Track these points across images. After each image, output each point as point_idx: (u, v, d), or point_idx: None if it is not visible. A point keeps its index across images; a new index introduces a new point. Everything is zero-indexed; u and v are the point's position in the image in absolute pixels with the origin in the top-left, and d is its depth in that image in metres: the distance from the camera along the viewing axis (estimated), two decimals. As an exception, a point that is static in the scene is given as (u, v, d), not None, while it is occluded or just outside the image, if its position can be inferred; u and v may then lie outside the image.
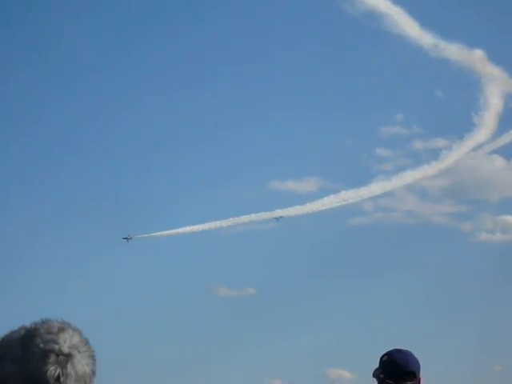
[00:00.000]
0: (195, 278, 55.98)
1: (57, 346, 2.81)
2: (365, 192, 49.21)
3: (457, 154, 49.37)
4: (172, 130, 61.51)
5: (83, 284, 58.27)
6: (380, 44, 59.60)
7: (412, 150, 59.27)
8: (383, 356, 5.98)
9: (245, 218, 49.07)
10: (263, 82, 63.51)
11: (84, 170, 62.58)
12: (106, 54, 58.86)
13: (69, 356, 2.82)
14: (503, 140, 50.90)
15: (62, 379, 2.78)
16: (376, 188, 49.26)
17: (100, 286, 59.13)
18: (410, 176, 49.92)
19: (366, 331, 51.53)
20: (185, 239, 52.59)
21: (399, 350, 5.99)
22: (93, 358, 2.91)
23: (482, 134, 48.92)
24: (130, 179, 62.85)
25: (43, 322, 2.91)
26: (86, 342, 2.93)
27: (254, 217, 48.83)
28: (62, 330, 2.88)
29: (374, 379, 6.05)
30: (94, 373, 2.91)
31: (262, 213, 48.87)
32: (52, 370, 2.77)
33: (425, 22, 46.17)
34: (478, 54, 48.93)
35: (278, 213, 48.66)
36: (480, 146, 50.15)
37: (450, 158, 49.39)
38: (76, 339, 2.88)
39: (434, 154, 50.81)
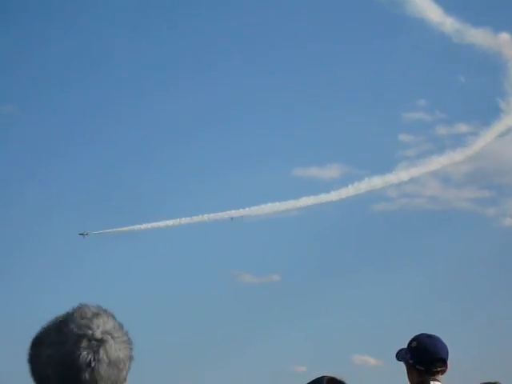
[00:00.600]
0: (219, 265, 56.09)
1: (90, 331, 2.83)
2: (388, 178, 49.06)
3: (482, 139, 49.06)
4: (195, 115, 61.27)
5: (106, 273, 58.58)
6: (402, 30, 59.13)
7: (435, 135, 58.72)
8: (412, 341, 5.93)
9: (269, 206, 49.15)
10: (287, 68, 63.33)
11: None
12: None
13: (101, 341, 2.84)
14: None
15: (93, 364, 2.80)
16: (399, 174, 49.11)
17: (123, 275, 59.31)
18: (433, 162, 49.68)
19: (391, 317, 51.50)
20: (210, 226, 52.60)
21: (429, 336, 5.94)
22: (127, 343, 2.92)
23: (506, 119, 48.53)
24: (151, 165, 62.80)
25: (79, 308, 2.93)
26: (121, 328, 2.94)
27: (278, 204, 48.88)
28: (96, 315, 2.90)
29: (402, 363, 6.02)
30: (129, 358, 2.91)
31: (287, 201, 48.93)
32: (84, 354, 2.79)
33: (448, 7, 45.84)
34: (505, 37, 48.49)
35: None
36: (505, 131, 49.78)
37: (474, 144, 49.13)
38: (110, 325, 2.89)
39: (458, 140, 50.52)
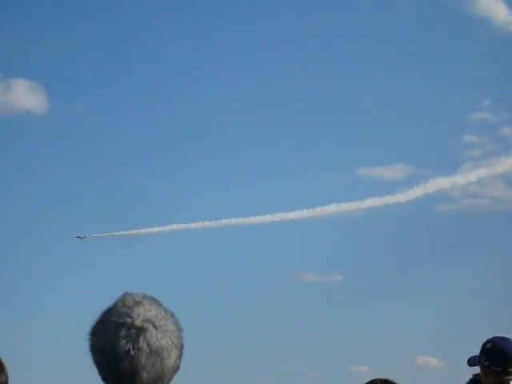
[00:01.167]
0: (282, 264, 56.11)
1: (129, 320, 2.79)
2: (453, 179, 48.47)
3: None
4: (250, 110, 60.69)
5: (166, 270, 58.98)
6: (467, 28, 58.26)
7: (500, 136, 57.88)
8: (486, 343, 5.96)
9: (333, 206, 48.93)
10: (358, 66, 62.90)
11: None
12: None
13: (141, 329, 2.78)
14: None
15: (132, 352, 2.75)
16: (467, 175, 48.45)
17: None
18: (498, 162, 48.93)
19: (454, 318, 50.80)
20: (276, 227, 52.59)
21: (503, 338, 5.98)
22: (172, 332, 2.84)
23: None
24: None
25: (123, 296, 2.91)
26: (168, 316, 2.88)
27: (342, 205, 48.66)
28: (137, 303, 2.85)
29: (465, 364, 6.01)
30: (176, 347, 2.83)
31: (351, 202, 48.65)
32: (123, 343, 2.76)
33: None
34: None
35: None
36: None
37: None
38: (152, 313, 2.83)
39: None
